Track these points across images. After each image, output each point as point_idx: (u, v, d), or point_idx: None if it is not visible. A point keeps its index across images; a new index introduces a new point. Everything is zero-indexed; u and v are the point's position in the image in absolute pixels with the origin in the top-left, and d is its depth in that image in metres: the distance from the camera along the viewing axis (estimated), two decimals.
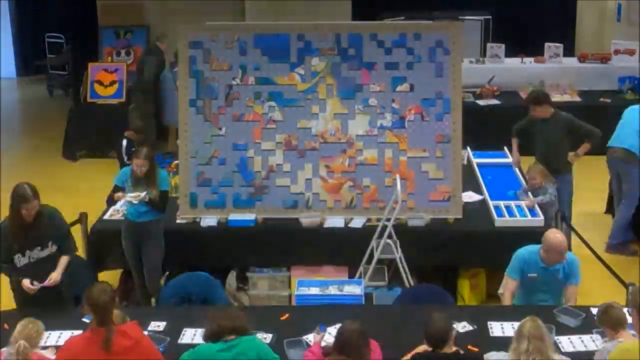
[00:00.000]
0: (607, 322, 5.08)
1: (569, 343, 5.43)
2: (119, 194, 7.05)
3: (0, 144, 10.52)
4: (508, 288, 6.20)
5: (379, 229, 7.04)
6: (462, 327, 5.63)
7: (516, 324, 5.52)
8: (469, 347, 5.29)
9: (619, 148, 8.57)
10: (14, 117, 14.77)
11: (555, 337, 5.40)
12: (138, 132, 8.88)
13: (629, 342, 4.88)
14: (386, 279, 7.09)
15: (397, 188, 6.92)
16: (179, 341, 5.56)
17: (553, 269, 6.10)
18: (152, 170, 6.94)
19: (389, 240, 6.94)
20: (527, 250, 6.23)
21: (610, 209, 9.44)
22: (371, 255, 7.04)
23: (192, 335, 5.61)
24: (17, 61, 16.93)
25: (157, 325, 5.71)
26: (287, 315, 5.88)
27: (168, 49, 11.78)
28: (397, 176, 7.17)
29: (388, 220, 6.97)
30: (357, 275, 7.11)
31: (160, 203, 6.99)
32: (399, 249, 6.98)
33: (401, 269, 6.96)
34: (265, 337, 5.48)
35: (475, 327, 5.63)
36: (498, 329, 5.63)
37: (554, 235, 6.11)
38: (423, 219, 7.40)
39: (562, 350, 5.34)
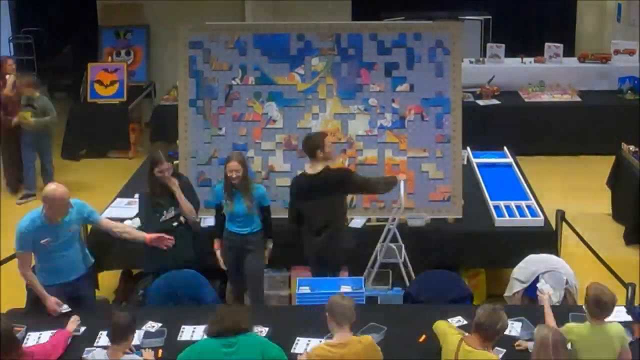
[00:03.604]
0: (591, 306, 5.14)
1: None
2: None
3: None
4: None
5: (384, 232, 7.00)
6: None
7: (516, 324, 5.57)
8: None
9: None
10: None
11: None
12: None
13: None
14: (390, 282, 7.07)
15: (401, 192, 6.90)
16: (178, 338, 5.58)
17: None
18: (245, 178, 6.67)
19: (392, 245, 6.91)
20: None
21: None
22: (376, 259, 7.01)
23: (190, 332, 5.63)
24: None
25: (152, 326, 5.71)
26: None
27: None
28: (402, 179, 7.10)
29: (392, 223, 6.92)
30: (364, 280, 7.08)
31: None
32: (403, 253, 6.95)
33: (403, 274, 6.94)
34: (261, 331, 5.52)
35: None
36: None
37: None
38: (423, 219, 7.40)
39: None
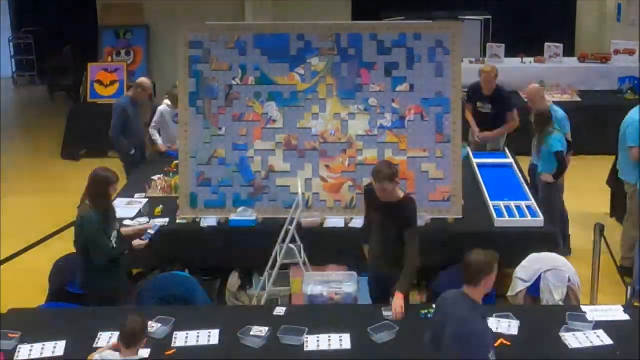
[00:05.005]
0: None
1: (575, 339, 5.45)
2: None
3: None
4: None
5: (282, 233, 6.89)
6: None
7: (513, 322, 5.56)
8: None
9: None
10: (13, 117, 14.79)
11: (561, 333, 5.46)
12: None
13: None
14: (289, 283, 7.01)
15: (299, 190, 7.04)
16: (172, 344, 5.53)
17: None
18: None
19: (291, 245, 6.83)
20: None
21: (614, 213, 9.38)
22: (275, 260, 6.88)
23: (184, 339, 5.59)
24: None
25: (152, 327, 5.66)
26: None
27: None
28: (300, 179, 7.21)
29: (291, 224, 6.87)
30: (261, 282, 7.03)
31: None
32: (302, 253, 6.89)
33: (304, 273, 6.84)
34: (261, 330, 5.52)
35: None
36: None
37: None
38: (423, 219, 7.39)
39: (569, 346, 5.37)
